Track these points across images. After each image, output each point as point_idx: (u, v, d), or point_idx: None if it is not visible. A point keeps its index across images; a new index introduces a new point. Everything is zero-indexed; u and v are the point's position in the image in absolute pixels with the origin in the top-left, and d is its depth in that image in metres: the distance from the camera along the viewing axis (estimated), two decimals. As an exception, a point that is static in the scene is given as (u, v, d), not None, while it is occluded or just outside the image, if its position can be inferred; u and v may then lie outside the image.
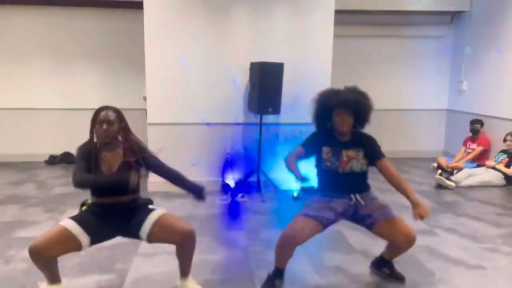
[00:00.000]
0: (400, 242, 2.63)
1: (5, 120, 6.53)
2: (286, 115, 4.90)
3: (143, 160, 2.51)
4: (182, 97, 4.91)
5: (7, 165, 6.24)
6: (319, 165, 2.75)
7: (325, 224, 2.61)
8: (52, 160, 6.53)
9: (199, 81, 4.88)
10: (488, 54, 6.19)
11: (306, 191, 4.80)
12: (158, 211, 2.53)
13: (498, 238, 3.68)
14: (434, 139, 7.26)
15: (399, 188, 2.63)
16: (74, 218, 2.42)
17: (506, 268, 3.10)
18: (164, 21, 4.78)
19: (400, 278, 2.84)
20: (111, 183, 2.42)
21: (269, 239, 3.59)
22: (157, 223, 2.46)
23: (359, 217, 2.67)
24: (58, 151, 6.61)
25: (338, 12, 5.18)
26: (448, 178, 5.32)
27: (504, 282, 2.90)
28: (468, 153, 6.08)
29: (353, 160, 2.65)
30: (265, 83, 4.53)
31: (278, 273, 2.68)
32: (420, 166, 6.44)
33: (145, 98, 5.26)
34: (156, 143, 4.89)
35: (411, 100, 7.10)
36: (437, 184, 5.36)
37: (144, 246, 3.36)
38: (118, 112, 2.52)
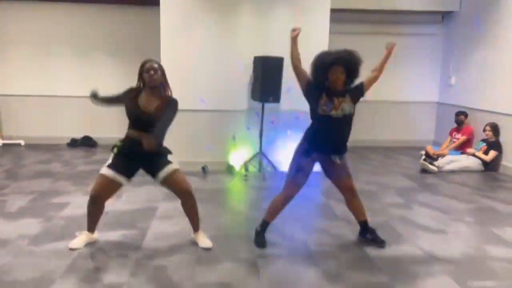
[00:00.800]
0: (344, 193, 3.34)
1: (32, 106, 7.18)
2: (285, 103, 5.48)
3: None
4: (193, 86, 5.50)
5: (35, 147, 6.90)
6: (315, 113, 3.17)
7: (306, 178, 3.21)
8: (74, 143, 7.18)
9: (208, 72, 5.47)
10: (474, 52, 6.71)
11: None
12: (174, 166, 3.11)
13: (464, 212, 4.26)
14: (425, 130, 7.81)
15: (381, 63, 3.40)
16: (108, 165, 3.05)
17: (464, 233, 3.69)
18: (178, 19, 5.37)
19: (380, 242, 3.36)
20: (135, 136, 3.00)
21: (266, 208, 4.21)
22: (171, 175, 3.08)
23: (327, 169, 3.27)
24: (79, 134, 7.27)
25: (335, 11, 5.74)
26: (431, 163, 5.89)
27: (458, 242, 3.48)
28: (454, 142, 6.63)
29: (344, 103, 3.10)
30: (267, 75, 5.10)
31: (265, 227, 3.33)
32: (409, 154, 7.00)
33: None
34: (171, 128, 5.52)
35: (404, 93, 7.64)
36: (421, 169, 5.93)
37: (160, 210, 4.00)
38: (159, 64, 3.08)
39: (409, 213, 4.17)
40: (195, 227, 3.30)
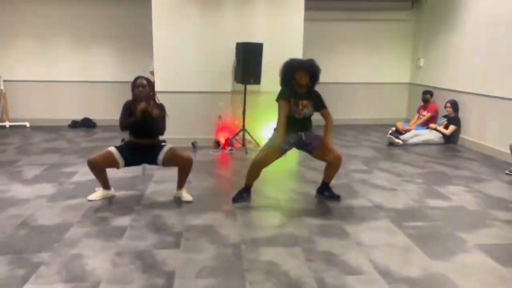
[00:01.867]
0: (331, 160, 3.87)
1: (35, 91, 7.79)
2: (265, 84, 6.13)
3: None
4: (183, 70, 6.13)
5: (38, 128, 7.53)
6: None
7: (282, 152, 3.85)
8: (74, 124, 7.81)
9: (196, 57, 6.10)
10: (439, 36, 7.37)
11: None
12: (168, 146, 3.86)
13: (416, 175, 4.98)
14: (397, 108, 8.51)
15: (324, 128, 3.87)
16: (116, 147, 3.75)
17: (411, 191, 4.40)
18: (168, 10, 5.97)
19: (336, 197, 4.08)
20: (138, 119, 3.68)
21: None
22: (167, 153, 3.78)
23: (303, 145, 3.90)
24: (78, 116, 7.90)
25: (309, -1, 6.36)
26: (397, 137, 6.60)
27: (404, 197, 4.20)
28: (420, 118, 7.33)
29: (306, 108, 3.77)
30: (248, 59, 5.74)
31: (246, 189, 3.97)
32: (381, 131, 7.70)
33: (152, 73, 6.49)
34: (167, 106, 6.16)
35: (378, 75, 8.32)
36: (388, 142, 6.65)
37: (156, 176, 4.68)
38: (148, 80, 3.81)
39: (369, 177, 4.88)
40: (181, 185, 3.99)
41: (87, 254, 2.89)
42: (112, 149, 3.77)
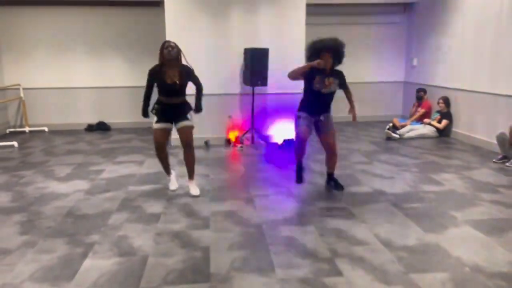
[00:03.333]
0: (327, 150, 4.41)
1: (52, 97, 8.25)
2: (271, 86, 6.64)
3: (188, 77, 4.25)
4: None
5: (57, 132, 8.00)
6: (310, 87, 4.20)
7: (311, 128, 4.35)
8: (90, 128, 8.28)
9: (207, 63, 6.58)
10: (430, 37, 7.89)
11: (287, 142, 6.60)
12: (188, 123, 4.29)
13: (412, 165, 5.48)
14: (393, 106, 9.03)
15: (350, 103, 4.41)
16: (156, 122, 4.24)
17: (407, 178, 4.90)
18: (180, 18, 6.47)
19: (340, 187, 4.51)
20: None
21: (259, 168, 5.41)
22: (183, 127, 4.25)
23: (317, 127, 4.37)
24: (94, 120, 8.37)
25: (310, 5, 6.87)
26: (394, 132, 7.11)
27: (401, 183, 4.70)
28: (415, 114, 7.83)
29: (332, 84, 4.20)
30: (255, 63, 6.25)
31: (300, 165, 4.48)
32: (379, 126, 8.20)
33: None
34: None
35: (374, 75, 8.84)
36: (386, 137, 7.15)
37: (176, 172, 5.15)
38: (175, 44, 4.15)
39: (370, 167, 5.38)
40: (190, 176, 4.44)
41: (132, 235, 3.37)
42: (155, 126, 4.24)
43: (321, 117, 4.33)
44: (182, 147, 4.38)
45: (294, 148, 4.44)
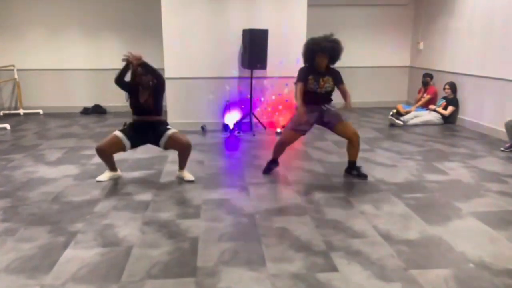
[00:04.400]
0: (350, 136, 4.18)
1: (47, 79, 8.06)
2: (271, 69, 6.40)
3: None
4: (191, 57, 6.39)
5: (52, 115, 7.82)
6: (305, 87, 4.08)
7: (303, 133, 4.23)
8: (86, 111, 8.10)
9: (204, 44, 6.35)
10: (438, 19, 7.59)
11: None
12: (172, 130, 4.08)
13: (416, 153, 5.27)
14: (398, 91, 8.77)
15: (343, 95, 4.16)
16: (121, 130, 4.03)
17: (411, 167, 4.70)
18: (176, -2, 6.21)
19: (364, 176, 4.29)
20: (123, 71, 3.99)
21: (256, 155, 5.22)
22: (170, 138, 4.04)
23: (324, 123, 4.19)
24: (90, 103, 8.18)
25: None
26: (397, 118, 6.88)
27: (404, 172, 4.50)
28: (421, 100, 7.58)
29: (327, 83, 4.08)
30: (254, 45, 6.00)
31: (273, 161, 4.38)
32: (383, 113, 7.97)
33: None
34: (173, 93, 6.46)
35: (379, 59, 8.56)
36: (390, 124, 6.92)
37: (171, 157, 4.97)
38: (147, 65, 3.93)
39: (371, 155, 5.18)
40: (182, 167, 4.27)
41: (118, 224, 3.20)
42: (117, 133, 4.03)
43: (324, 107, 4.15)
44: (181, 150, 4.17)
45: (274, 145, 4.37)
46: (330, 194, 3.87)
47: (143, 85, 3.93)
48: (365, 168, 4.62)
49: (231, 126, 6.48)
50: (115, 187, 4.02)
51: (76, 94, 8.22)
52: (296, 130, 4.19)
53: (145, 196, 3.79)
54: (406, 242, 2.93)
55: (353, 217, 3.36)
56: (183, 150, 4.15)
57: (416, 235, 3.04)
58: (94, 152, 5.19)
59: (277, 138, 4.60)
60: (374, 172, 4.50)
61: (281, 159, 4.94)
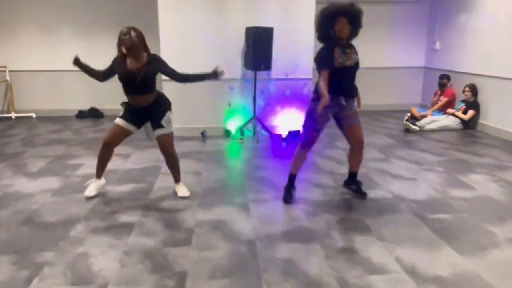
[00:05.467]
0: (358, 142, 3.60)
1: (40, 80, 7.62)
2: (276, 71, 5.91)
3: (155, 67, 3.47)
4: (190, 57, 5.90)
5: (45, 119, 7.39)
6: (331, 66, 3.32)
7: (322, 132, 3.56)
8: (81, 115, 7.66)
9: (204, 44, 5.87)
10: (456, 17, 7.05)
11: (293, 134, 5.90)
12: (164, 131, 3.54)
13: (436, 163, 4.75)
14: (412, 93, 8.23)
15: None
16: (120, 116, 3.56)
17: (432, 180, 4.19)
18: (173, -7, 5.74)
19: (363, 194, 3.74)
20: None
21: (259, 164, 4.73)
22: (159, 137, 3.55)
23: (339, 118, 3.55)
24: (86, 106, 7.74)
25: (322, -18, 6.06)
26: (413, 123, 6.35)
27: (425, 187, 3.99)
28: (437, 103, 7.05)
29: (353, 54, 3.38)
30: (258, 45, 5.51)
31: (291, 181, 3.66)
32: (396, 117, 7.45)
33: None
34: (170, 96, 5.97)
35: (392, 59, 8.02)
36: (405, 129, 6.40)
37: (164, 168, 4.49)
38: (133, 28, 3.36)
39: (387, 166, 4.67)
40: (176, 180, 3.81)
41: (94, 253, 2.73)
42: (118, 120, 3.58)
43: (343, 101, 3.44)
44: (165, 158, 3.72)
45: (294, 156, 3.67)
46: (342, 214, 3.38)
47: (126, 46, 3.34)
48: (381, 181, 4.13)
49: (233, 132, 6.00)
50: (98, 204, 3.56)
51: (71, 97, 7.78)
52: (319, 129, 3.52)
53: (131, 216, 3.32)
54: (437, 280, 2.43)
55: (370, 244, 2.86)
56: (164, 156, 3.68)
57: (447, 270, 2.54)
58: (80, 161, 4.79)
59: (284, 144, 3.95)
60: (391, 187, 3.99)
61: (287, 170, 4.47)
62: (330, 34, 3.36)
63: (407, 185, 4.06)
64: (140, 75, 3.35)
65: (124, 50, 3.39)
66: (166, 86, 5.94)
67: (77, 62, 3.62)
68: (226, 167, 4.73)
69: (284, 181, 4.06)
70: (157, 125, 3.54)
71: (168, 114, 3.58)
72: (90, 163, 4.68)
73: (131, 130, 3.60)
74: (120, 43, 3.36)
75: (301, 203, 3.61)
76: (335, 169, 4.53)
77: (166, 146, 3.61)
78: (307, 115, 3.51)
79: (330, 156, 5.03)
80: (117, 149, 5.35)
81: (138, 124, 3.62)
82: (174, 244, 2.85)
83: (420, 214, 3.36)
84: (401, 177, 4.28)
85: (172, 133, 3.64)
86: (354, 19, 3.35)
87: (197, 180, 4.18)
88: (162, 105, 3.59)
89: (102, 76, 3.63)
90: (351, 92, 3.51)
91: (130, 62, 3.42)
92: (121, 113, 3.61)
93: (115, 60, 3.52)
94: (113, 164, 4.62)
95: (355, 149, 3.68)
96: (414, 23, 7.95)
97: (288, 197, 3.61)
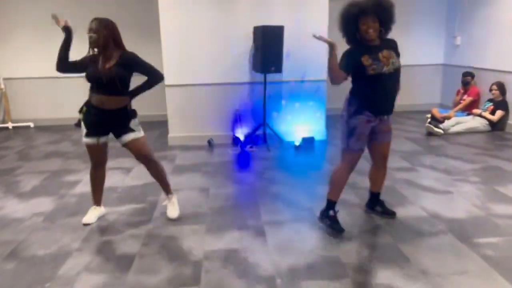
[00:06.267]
0: (383, 159, 3.14)
1: (38, 88, 7.23)
2: (288, 73, 5.46)
3: (129, 66, 3.02)
4: (194, 60, 5.48)
5: (44, 129, 7.01)
6: (362, 75, 2.80)
7: (365, 142, 3.02)
8: (81, 123, 7.24)
9: (209, 45, 5.43)
10: (479, 9, 6.55)
11: (307, 141, 5.47)
12: (133, 135, 3.06)
13: (469, 172, 4.28)
14: (430, 93, 7.75)
15: None
16: (85, 134, 3.08)
17: (468, 193, 3.72)
18: (175, -8, 5.31)
19: (391, 213, 3.27)
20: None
21: (272, 177, 4.30)
22: (130, 143, 3.07)
23: (371, 132, 3.01)
24: (85, 115, 7.34)
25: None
26: (436, 126, 5.88)
27: (462, 202, 3.53)
28: (460, 103, 6.57)
29: (391, 58, 2.80)
30: (267, 45, 5.07)
31: (332, 207, 3.07)
32: (415, 118, 6.98)
33: None
34: (173, 102, 5.58)
35: (408, 56, 7.49)
36: (427, 132, 5.92)
37: (171, 181, 4.09)
38: (101, 22, 2.99)
39: (414, 176, 4.21)
40: (167, 192, 3.38)
41: (86, 298, 2.31)
42: (85, 141, 3.12)
43: (385, 117, 2.96)
44: (148, 170, 3.29)
45: (334, 180, 3.09)
46: (373, 239, 2.93)
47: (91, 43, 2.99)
48: (410, 195, 3.69)
49: (242, 140, 5.57)
50: (93, 231, 3.14)
51: (70, 104, 7.31)
52: (358, 150, 2.98)
53: (130, 246, 2.89)
54: (501, 330, 1.98)
55: (412, 280, 2.41)
56: (143, 163, 3.22)
57: (511, 315, 2.09)
58: (78, 177, 4.40)
59: (330, 167, 3.33)
60: (423, 202, 3.54)
61: (304, 184, 4.04)
62: (356, 37, 2.85)
63: (441, 200, 3.60)
64: (106, 75, 2.90)
65: (90, 51, 3.00)
66: (168, 91, 5.54)
67: (67, 29, 3.20)
68: (236, 181, 4.29)
69: (301, 199, 3.63)
70: (125, 130, 3.06)
71: (135, 119, 3.12)
72: (87, 179, 4.23)
73: (102, 141, 3.13)
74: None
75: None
76: (357, 181, 4.07)
77: (142, 151, 3.14)
78: (347, 136, 2.96)
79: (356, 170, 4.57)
80: (118, 162, 5.02)
81: (105, 131, 3.11)
82: (179, 283, 2.43)
83: (464, 237, 2.90)
84: (432, 190, 3.81)
85: (142, 137, 3.14)
86: (382, 14, 2.80)
87: (205, 198, 3.75)
88: (129, 112, 3.10)
89: (66, 65, 3.10)
90: (390, 106, 2.96)
91: (101, 61, 2.98)
92: (83, 131, 3.11)
93: (85, 57, 3.06)
94: (112, 180, 4.23)
95: (381, 167, 3.21)
96: (431, 16, 7.46)
97: (338, 226, 3.06)
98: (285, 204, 3.57)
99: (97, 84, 2.96)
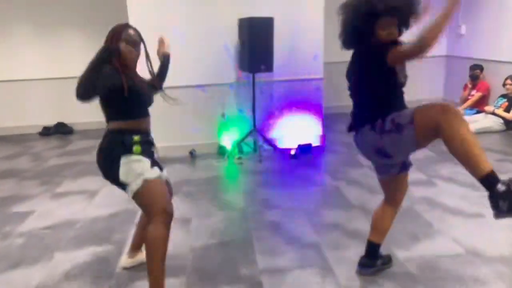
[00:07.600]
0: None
1: (-5, 93, 6.40)
2: (280, 72, 4.75)
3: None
4: (171, 60, 4.71)
5: (3, 139, 6.16)
6: (392, 81, 2.27)
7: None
8: (46, 132, 6.44)
9: (187, 43, 4.66)
10: (488, -5, 5.93)
11: (303, 149, 4.79)
12: (136, 185, 2.12)
13: (497, 185, 3.65)
14: (433, 87, 7.13)
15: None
16: (151, 164, 2.20)
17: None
18: (145, -21, 4.53)
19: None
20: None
21: (266, 199, 3.61)
22: (139, 191, 2.12)
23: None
24: (51, 122, 6.53)
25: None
26: (447, 127, 5.24)
27: (502, 229, 2.88)
28: (468, 99, 5.96)
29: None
30: (255, 40, 4.35)
31: (375, 252, 2.44)
32: (419, 116, 6.35)
33: None
34: (154, 106, 4.80)
35: (408, 48, 6.90)
36: (436, 134, 5.29)
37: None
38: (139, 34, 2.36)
39: (435, 193, 3.56)
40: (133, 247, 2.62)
41: None
42: (153, 174, 2.16)
43: None
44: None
45: (377, 216, 2.42)
46: (396, 285, 2.26)
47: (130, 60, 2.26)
48: (436, 221, 3.06)
49: (229, 149, 4.85)
50: (38, 292, 2.40)
51: (33, 111, 6.55)
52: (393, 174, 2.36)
53: (83, 317, 2.17)
54: None
55: None
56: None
57: None
58: (30, 207, 3.62)
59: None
60: (454, 231, 2.89)
61: (306, 208, 3.36)
62: (364, 41, 2.17)
63: (474, 227, 2.95)
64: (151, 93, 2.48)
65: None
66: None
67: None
68: (224, 205, 3.57)
69: (304, 228, 2.96)
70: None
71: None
72: (43, 208, 3.53)
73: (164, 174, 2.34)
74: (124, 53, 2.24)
75: (339, 269, 2.48)
76: (367, 201, 3.42)
77: (148, 208, 2.19)
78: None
79: (356, 180, 3.91)
80: (83, 182, 4.24)
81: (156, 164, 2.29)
82: None
83: (516, 286, 2.26)
84: (461, 213, 3.17)
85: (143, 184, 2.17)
86: (402, 13, 2.15)
87: (186, 233, 3.03)
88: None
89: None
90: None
91: (136, 77, 2.32)
92: (146, 161, 2.18)
93: (114, 71, 2.16)
94: (73, 208, 3.51)
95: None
96: (431, 3, 6.79)
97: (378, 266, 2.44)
98: (285, 239, 2.87)
99: (143, 104, 2.35)
